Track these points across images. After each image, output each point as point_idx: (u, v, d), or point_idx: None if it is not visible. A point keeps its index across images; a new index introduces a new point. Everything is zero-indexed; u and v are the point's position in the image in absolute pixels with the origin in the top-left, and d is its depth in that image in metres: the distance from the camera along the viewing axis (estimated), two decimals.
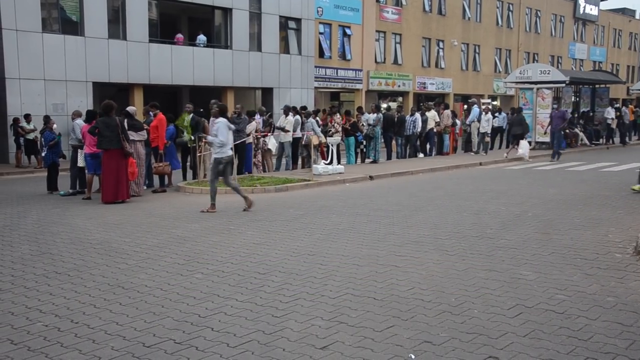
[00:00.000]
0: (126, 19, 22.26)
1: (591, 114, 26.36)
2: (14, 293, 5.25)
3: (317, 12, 30.26)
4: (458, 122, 21.93)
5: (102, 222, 8.76)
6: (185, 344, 4.01)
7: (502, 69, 44.26)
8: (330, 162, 14.89)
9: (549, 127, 19.85)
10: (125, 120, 11.52)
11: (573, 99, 26.36)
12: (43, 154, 12.32)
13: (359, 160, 18.28)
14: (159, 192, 12.24)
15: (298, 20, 28.23)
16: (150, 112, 12.72)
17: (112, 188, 10.63)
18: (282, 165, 16.19)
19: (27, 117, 18.50)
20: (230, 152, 9.71)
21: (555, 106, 20.06)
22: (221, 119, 9.66)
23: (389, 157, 19.30)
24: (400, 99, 36.30)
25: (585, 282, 5.26)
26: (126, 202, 10.68)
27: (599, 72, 34.41)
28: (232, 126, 9.90)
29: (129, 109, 12.01)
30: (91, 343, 4.05)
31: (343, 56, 32.47)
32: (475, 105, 21.63)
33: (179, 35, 24.67)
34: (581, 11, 51.71)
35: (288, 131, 15.64)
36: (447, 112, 20.58)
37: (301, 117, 16.03)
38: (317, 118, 16.79)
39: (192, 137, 13.21)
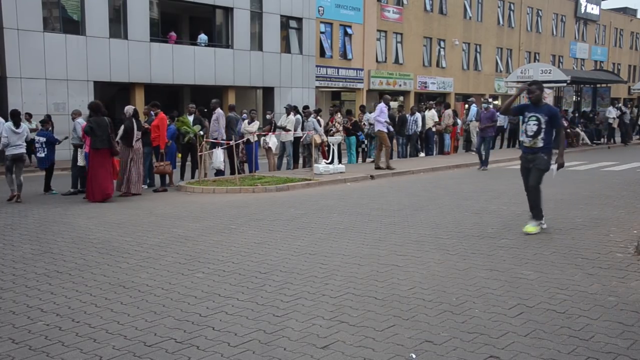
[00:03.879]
0: (127, 18, 22.28)
1: (591, 115, 26.36)
2: (15, 292, 5.25)
3: (318, 11, 30.26)
4: (459, 121, 21.93)
5: (103, 222, 8.77)
6: (187, 343, 4.01)
7: (503, 68, 44.24)
8: (332, 162, 14.88)
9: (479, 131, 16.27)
10: (135, 121, 11.64)
11: (574, 99, 26.36)
12: (43, 155, 12.21)
13: (360, 159, 18.28)
14: (160, 192, 12.25)
15: (299, 20, 28.23)
16: (152, 112, 12.74)
17: (101, 187, 10.79)
18: (283, 164, 16.20)
19: (29, 117, 18.50)
20: (15, 151, 11.04)
21: (485, 105, 16.65)
22: (7, 123, 11.32)
23: (389, 157, 19.26)
24: (401, 98, 36.29)
25: (587, 281, 5.25)
26: (113, 201, 10.86)
27: (600, 72, 34.39)
28: (17, 130, 11.09)
29: (131, 108, 12.01)
30: (92, 342, 4.06)
31: (344, 55, 32.47)
32: (474, 105, 21.63)
33: (172, 34, 24.55)
34: (582, 10, 51.66)
35: (289, 130, 15.65)
36: (448, 111, 20.58)
37: (302, 117, 16.04)
38: (319, 117, 16.80)
39: (201, 132, 13.14)
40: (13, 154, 11.07)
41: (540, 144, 7.28)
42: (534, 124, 7.28)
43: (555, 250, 6.42)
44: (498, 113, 16.57)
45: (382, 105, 15.28)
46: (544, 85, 24.31)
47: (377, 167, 15.17)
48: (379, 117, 14.96)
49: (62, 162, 16.29)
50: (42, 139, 12.17)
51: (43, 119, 14.71)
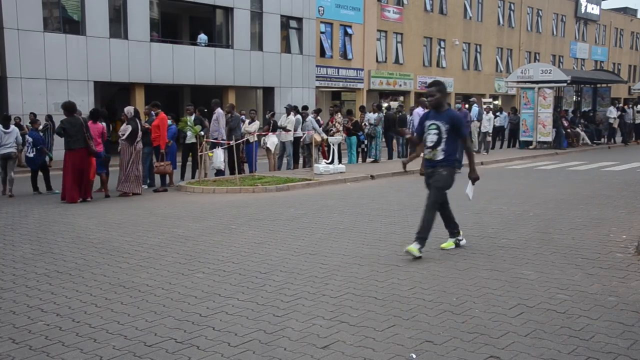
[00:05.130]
0: (127, 18, 22.29)
1: (591, 114, 26.37)
2: (16, 292, 5.25)
3: (319, 11, 30.27)
4: None
5: (103, 222, 8.77)
6: (187, 343, 4.01)
7: (504, 68, 44.25)
8: (332, 162, 14.88)
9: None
10: (139, 121, 11.66)
11: (575, 99, 26.35)
12: (32, 155, 12.32)
13: (360, 159, 18.29)
14: (160, 192, 12.25)
15: (299, 20, 28.24)
16: (152, 112, 12.75)
17: (79, 187, 10.84)
18: (283, 164, 16.21)
19: (33, 116, 18.52)
20: (5, 151, 11.90)
21: (459, 105, 14.37)
22: None
23: (390, 157, 19.30)
24: (401, 98, 36.31)
25: (587, 281, 5.25)
26: (88, 202, 10.94)
27: (601, 72, 34.39)
28: (7, 130, 11.99)
29: (132, 109, 12.03)
30: (92, 342, 4.06)
31: (344, 55, 32.48)
32: (475, 105, 21.64)
33: (154, 33, 24.38)
34: (582, 10, 51.67)
35: (289, 130, 15.65)
36: None
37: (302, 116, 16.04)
38: (319, 117, 16.81)
39: (201, 133, 13.12)
40: (3, 153, 11.94)
41: (440, 156, 6.28)
42: (434, 133, 6.29)
43: (556, 250, 6.42)
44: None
45: (419, 109, 14.38)
46: (544, 85, 24.15)
47: (422, 174, 14.59)
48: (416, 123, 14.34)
49: (61, 162, 16.29)
50: (30, 139, 12.40)
51: (32, 120, 14.80)
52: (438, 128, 6.27)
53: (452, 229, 6.61)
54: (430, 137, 6.32)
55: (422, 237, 6.18)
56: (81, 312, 4.67)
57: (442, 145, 6.26)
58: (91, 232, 8.00)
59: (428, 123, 6.38)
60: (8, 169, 12.07)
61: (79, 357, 3.83)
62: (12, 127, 12.33)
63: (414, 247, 6.12)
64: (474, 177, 6.40)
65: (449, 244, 6.59)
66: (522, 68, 24.21)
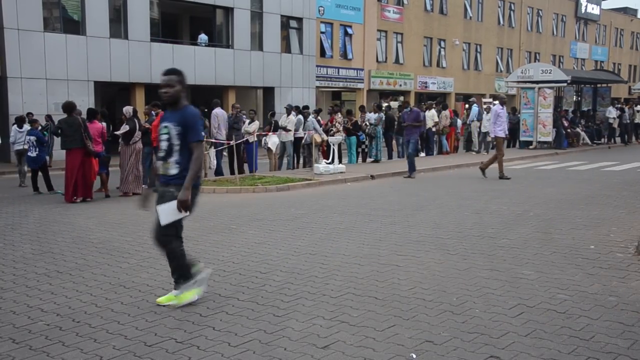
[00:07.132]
0: (128, 18, 22.29)
1: (591, 113, 26.36)
2: (16, 292, 5.25)
3: (319, 11, 30.26)
4: (459, 121, 21.92)
5: (104, 221, 8.77)
6: (187, 343, 4.01)
7: (504, 68, 44.23)
8: (332, 162, 14.88)
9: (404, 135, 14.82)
10: (137, 121, 11.67)
11: (575, 99, 26.34)
12: (35, 154, 12.34)
13: (360, 159, 18.29)
14: None
15: (299, 20, 28.23)
16: (152, 112, 12.74)
17: (78, 187, 10.82)
18: (284, 164, 16.21)
19: (31, 115, 18.54)
20: (19, 147, 13.46)
21: (408, 109, 14.38)
22: (13, 126, 13.97)
23: (389, 157, 19.30)
24: (401, 98, 36.28)
25: (587, 281, 5.25)
26: (88, 202, 10.93)
27: (601, 72, 34.38)
28: (21, 130, 13.70)
29: (131, 108, 12.04)
30: (93, 342, 4.06)
31: (344, 55, 32.47)
32: (475, 105, 21.63)
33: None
34: (583, 10, 51.66)
35: (290, 130, 15.65)
36: (445, 112, 20.58)
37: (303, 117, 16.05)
38: (319, 117, 16.81)
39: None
40: (17, 149, 13.76)
41: (173, 169, 4.68)
42: (165, 139, 4.73)
43: (556, 250, 6.42)
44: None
45: (497, 107, 13.70)
46: (544, 85, 24.08)
47: (502, 177, 13.59)
48: (496, 122, 13.36)
49: (62, 162, 16.30)
50: (33, 138, 12.40)
51: (31, 120, 14.85)
52: (169, 132, 4.71)
53: (183, 275, 4.81)
54: (162, 145, 4.77)
55: (179, 275, 4.80)
56: (81, 312, 4.67)
57: (176, 156, 4.68)
58: (91, 232, 8.00)
59: (161, 126, 4.83)
60: (22, 163, 13.69)
61: (79, 357, 3.83)
62: (25, 126, 13.98)
63: (169, 296, 4.84)
64: (181, 199, 4.54)
65: (169, 297, 4.85)
66: (522, 68, 24.19)
